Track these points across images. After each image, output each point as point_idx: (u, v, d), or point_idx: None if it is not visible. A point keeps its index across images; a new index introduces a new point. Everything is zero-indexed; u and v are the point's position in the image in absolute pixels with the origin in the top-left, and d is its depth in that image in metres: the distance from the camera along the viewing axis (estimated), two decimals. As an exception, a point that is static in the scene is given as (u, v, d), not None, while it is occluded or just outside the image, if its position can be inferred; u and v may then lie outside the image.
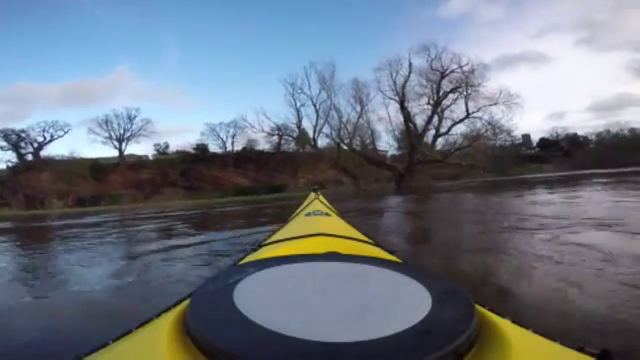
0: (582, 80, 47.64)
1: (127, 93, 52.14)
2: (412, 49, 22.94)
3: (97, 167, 30.47)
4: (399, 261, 0.80)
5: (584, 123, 60.06)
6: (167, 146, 34.35)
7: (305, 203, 2.36)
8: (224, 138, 33.54)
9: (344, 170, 27.13)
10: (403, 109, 23.60)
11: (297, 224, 1.38)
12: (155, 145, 34.04)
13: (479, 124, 21.66)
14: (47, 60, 45.27)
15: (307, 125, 28.23)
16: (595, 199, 5.46)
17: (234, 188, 29.70)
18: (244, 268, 0.59)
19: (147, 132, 32.34)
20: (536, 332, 0.46)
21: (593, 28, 45.59)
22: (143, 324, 0.49)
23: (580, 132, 35.23)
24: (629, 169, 15.31)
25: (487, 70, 21.80)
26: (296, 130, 29.02)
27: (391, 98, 24.01)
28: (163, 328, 0.43)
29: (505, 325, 0.44)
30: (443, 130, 23.18)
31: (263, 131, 28.16)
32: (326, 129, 27.23)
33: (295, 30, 47.06)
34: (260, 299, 0.46)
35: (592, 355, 0.41)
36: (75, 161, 30.29)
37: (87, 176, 29.62)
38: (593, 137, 33.67)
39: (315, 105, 26.71)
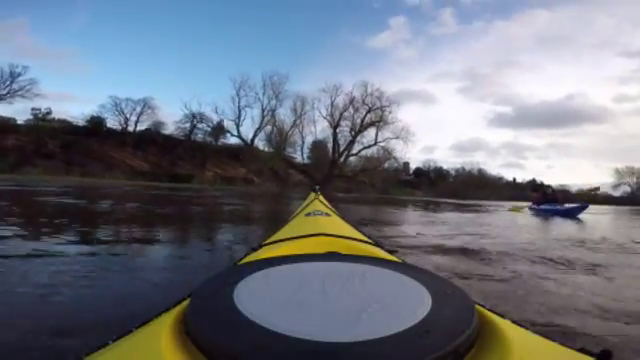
0: (452, 122, 59.37)
1: (18, 48, 41.44)
2: (355, 86, 27.34)
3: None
4: (399, 261, 0.80)
5: (448, 159, 73.00)
6: (49, 112, 29.24)
7: (305, 203, 2.43)
8: (128, 115, 30.59)
9: (275, 172, 28.69)
10: (335, 133, 27.88)
11: (297, 224, 1.39)
12: (33, 110, 28.51)
13: (381, 151, 27.13)
14: None
15: (247, 124, 29.32)
16: (447, 214, 8.40)
17: (131, 171, 27.44)
18: (244, 268, 0.59)
19: (30, 94, 26.50)
20: (536, 332, 0.46)
21: (474, 80, 56.92)
22: (143, 324, 0.49)
23: (445, 166, 43.40)
24: (472, 201, 20.88)
25: (398, 108, 27.28)
26: (213, 122, 29.44)
27: (325, 118, 28.08)
28: (163, 328, 0.43)
29: (505, 325, 0.44)
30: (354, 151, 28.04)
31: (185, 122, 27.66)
32: (261, 134, 29.32)
33: (235, 31, 46.98)
34: (260, 299, 0.47)
35: (592, 355, 0.41)
36: None
37: None
38: (453, 172, 42.88)
39: (263, 109, 28.83)
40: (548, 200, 11.04)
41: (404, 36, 50.95)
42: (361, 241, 1.00)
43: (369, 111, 27.06)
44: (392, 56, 51.71)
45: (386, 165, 27.95)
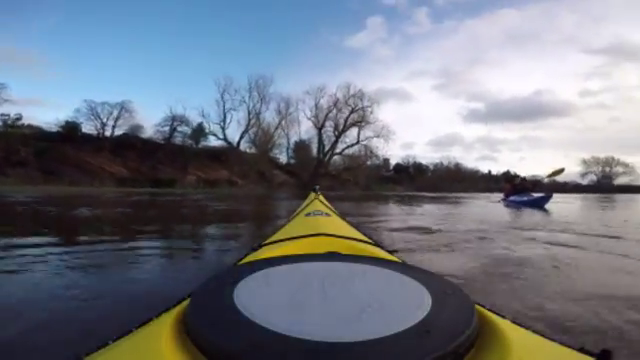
0: (429, 118, 61.10)
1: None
2: (338, 87, 28.41)
3: None
4: (399, 261, 0.80)
5: (426, 154, 74.98)
6: (19, 118, 28.03)
7: (305, 203, 2.42)
8: (104, 120, 29.79)
9: (261, 173, 28.86)
10: (320, 134, 28.88)
11: (297, 224, 1.38)
12: (2, 115, 27.28)
13: (363, 149, 28.18)
14: None
15: (234, 127, 29.46)
16: (424, 206, 8.91)
17: (110, 178, 26.80)
18: (244, 268, 0.60)
19: (-1, 99, 25.35)
20: (536, 332, 0.46)
21: (448, 77, 59.62)
22: (143, 324, 0.49)
23: (423, 161, 44.32)
24: (449, 194, 21.78)
25: (378, 108, 28.44)
26: (193, 124, 29.43)
27: (309, 119, 29.07)
28: (163, 328, 0.43)
29: (505, 325, 0.45)
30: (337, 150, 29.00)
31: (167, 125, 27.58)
32: (246, 136, 29.81)
33: (217, 33, 46.97)
34: (260, 299, 0.47)
35: (592, 355, 0.41)
36: None
37: None
38: (431, 167, 44.15)
39: (249, 112, 29.37)
40: (518, 191, 10.89)
41: (381, 35, 52.30)
42: (361, 241, 1.01)
43: (352, 112, 28.09)
44: (370, 55, 52.96)
45: (368, 162, 28.76)
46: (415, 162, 43.91)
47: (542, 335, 0.46)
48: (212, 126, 29.58)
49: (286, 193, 20.14)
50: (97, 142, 28.90)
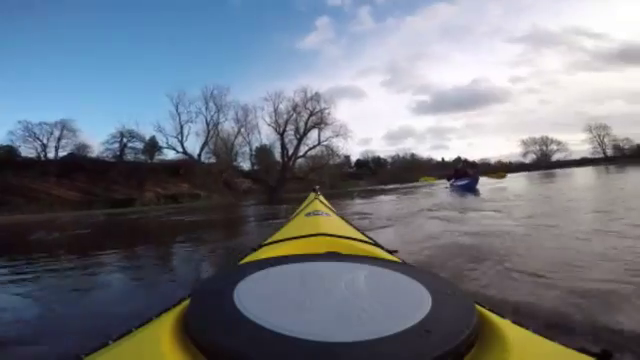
0: (382, 113, 64.60)
1: None
2: (296, 92, 28.78)
3: None
4: (399, 261, 0.81)
5: (383, 148, 78.26)
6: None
7: (305, 203, 2.44)
8: (44, 141, 27.45)
9: (226, 183, 28.32)
10: (282, 138, 29.22)
11: (297, 224, 1.38)
12: None
13: (324, 150, 28.96)
14: None
15: (192, 139, 28.77)
16: (381, 197, 9.66)
17: (59, 203, 24.95)
18: (244, 268, 0.59)
19: None
20: (536, 332, 0.46)
21: (394, 73, 63.40)
22: (143, 324, 0.49)
23: (382, 155, 46.33)
24: (409, 184, 23.06)
25: (335, 109, 29.13)
26: (145, 139, 28.27)
27: (270, 125, 29.18)
28: (163, 328, 0.43)
29: (505, 325, 0.45)
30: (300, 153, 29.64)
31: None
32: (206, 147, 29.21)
33: (164, 46, 46.17)
34: (260, 299, 0.46)
35: (592, 355, 0.41)
36: None
37: None
38: (390, 159, 45.99)
39: (208, 123, 28.76)
40: (459, 175, 11.08)
41: (329, 36, 53.90)
42: (361, 241, 1.00)
43: (311, 114, 28.75)
44: (321, 56, 54.57)
45: (330, 162, 29.61)
46: (374, 157, 45.55)
47: (542, 335, 0.46)
48: (170, 139, 28.66)
49: (254, 200, 20.15)
50: (40, 166, 26.64)
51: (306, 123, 28.78)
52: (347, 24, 57.17)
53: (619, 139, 40.81)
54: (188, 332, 0.42)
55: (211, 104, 29.06)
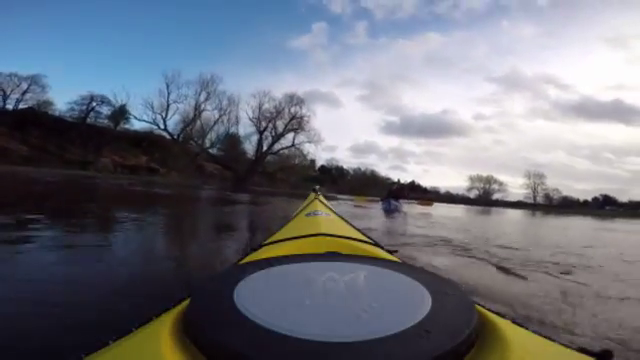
0: (352, 125, 66.43)
1: None
2: (284, 98, 30.13)
3: None
4: (399, 261, 0.80)
5: (347, 159, 80.00)
6: None
7: (305, 203, 2.41)
8: (7, 92, 25.91)
9: (199, 166, 28.77)
10: (261, 136, 30.60)
11: (297, 224, 1.39)
12: None
13: (295, 151, 30.63)
14: None
15: (176, 119, 29.11)
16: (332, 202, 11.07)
17: (5, 154, 23.46)
18: (244, 268, 0.59)
19: None
20: (536, 332, 0.46)
21: (373, 89, 65.16)
22: (143, 324, 0.49)
23: (345, 165, 47.75)
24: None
25: (314, 116, 30.70)
26: (115, 105, 27.95)
27: (251, 119, 30.32)
28: (163, 328, 0.43)
29: (505, 325, 0.45)
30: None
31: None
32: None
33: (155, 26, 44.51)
34: (260, 299, 0.47)
35: (592, 355, 0.42)
36: None
37: None
38: (351, 171, 48.24)
39: (197, 107, 29.12)
40: (393, 195, 11.39)
41: (322, 41, 55.26)
42: (361, 241, 1.01)
43: (292, 119, 30.37)
44: (309, 58, 55.85)
45: (296, 162, 31.27)
46: (337, 165, 47.52)
47: (542, 335, 0.46)
48: (155, 116, 28.59)
49: (216, 185, 20.74)
50: (-6, 115, 24.84)
51: (286, 125, 30.37)
52: (342, 34, 59.66)
53: (550, 189, 46.64)
54: (188, 332, 0.42)
55: (200, 89, 29.70)
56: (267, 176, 29.85)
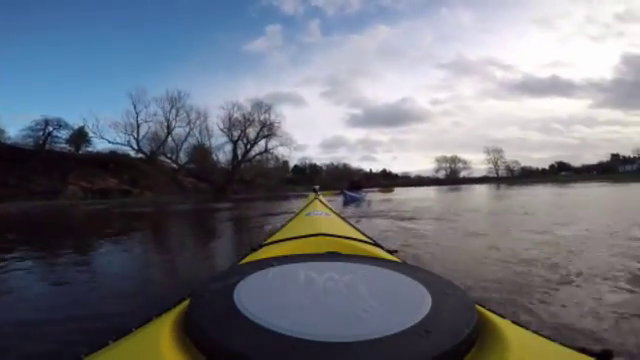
0: (320, 122, 68.98)
1: None
2: (252, 107, 31.08)
3: None
4: (399, 261, 0.80)
5: (318, 155, 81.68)
6: None
7: (305, 203, 2.41)
8: None
9: (179, 183, 28.49)
10: (235, 145, 31.56)
11: (297, 224, 1.38)
12: None
13: (269, 156, 31.82)
14: None
15: (147, 137, 29.48)
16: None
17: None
18: (244, 268, 0.59)
19: None
20: (536, 332, 0.47)
21: (334, 85, 67.98)
22: (143, 324, 0.49)
23: (318, 163, 50.09)
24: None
25: (284, 121, 31.92)
26: (73, 128, 27.39)
27: (222, 130, 31.33)
28: (163, 328, 0.43)
29: (505, 325, 0.45)
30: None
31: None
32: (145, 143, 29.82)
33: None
34: (260, 299, 0.47)
35: (592, 355, 0.42)
36: None
37: None
38: (325, 167, 49.19)
39: (169, 125, 29.68)
40: (353, 187, 11.91)
41: (278, 43, 56.12)
42: (361, 241, 1.01)
43: (263, 126, 31.43)
44: (266, 60, 56.77)
45: (270, 165, 32.00)
46: (311, 164, 48.32)
47: (542, 335, 0.46)
48: (125, 136, 28.95)
49: (198, 198, 20.95)
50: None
51: (258, 133, 31.44)
52: (297, 34, 60.80)
53: (509, 161, 49.99)
54: (188, 332, 0.42)
55: (169, 106, 29.91)
56: (244, 183, 30.27)
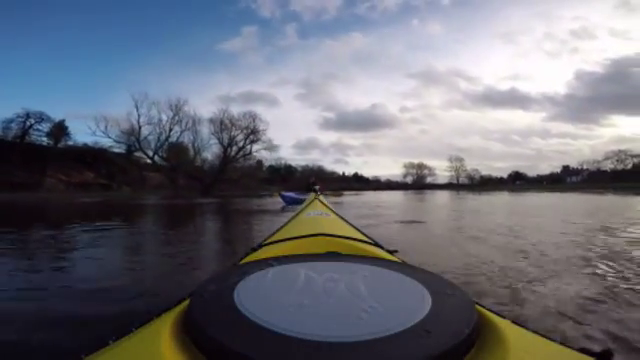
0: (293, 123, 72.01)
1: None
2: (238, 115, 32.73)
3: None
4: (399, 261, 0.80)
5: (292, 156, 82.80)
6: None
7: (305, 203, 2.44)
8: None
9: (172, 180, 29.55)
10: (225, 149, 33.28)
11: (297, 224, 1.39)
12: None
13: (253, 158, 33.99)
14: None
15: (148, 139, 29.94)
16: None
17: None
18: (244, 268, 0.60)
19: None
20: (536, 332, 0.46)
21: (308, 88, 70.17)
22: (143, 324, 0.49)
23: (292, 163, 51.18)
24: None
25: (267, 128, 33.71)
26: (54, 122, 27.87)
27: (213, 134, 32.82)
28: (163, 328, 0.43)
29: (505, 325, 0.45)
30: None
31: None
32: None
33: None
34: (260, 299, 0.47)
35: (592, 355, 0.41)
36: None
37: None
38: (300, 168, 51.17)
39: (170, 128, 30.59)
40: (309, 189, 12.00)
41: (253, 44, 57.61)
42: (361, 241, 1.01)
43: (251, 133, 33.83)
44: (241, 60, 58.47)
45: (248, 165, 34.18)
46: (286, 164, 50.17)
47: (542, 335, 0.46)
48: (128, 137, 29.14)
49: (190, 194, 22.67)
50: None
51: (246, 138, 33.98)
52: (273, 36, 62.83)
53: (470, 170, 54.41)
54: (188, 332, 0.42)
55: (170, 112, 31.08)
56: (229, 182, 32.28)
